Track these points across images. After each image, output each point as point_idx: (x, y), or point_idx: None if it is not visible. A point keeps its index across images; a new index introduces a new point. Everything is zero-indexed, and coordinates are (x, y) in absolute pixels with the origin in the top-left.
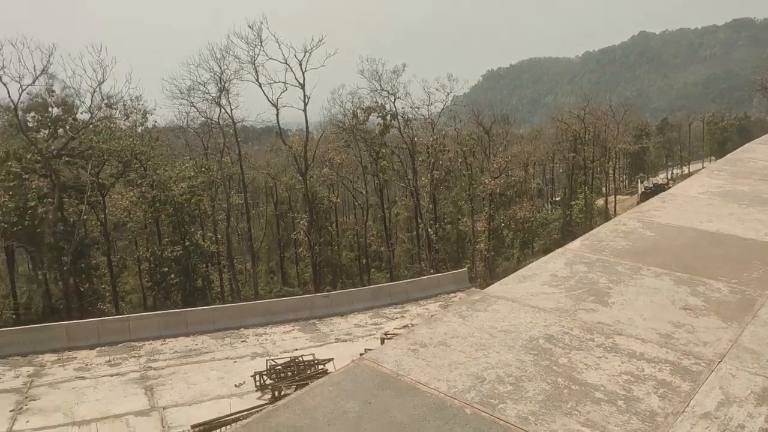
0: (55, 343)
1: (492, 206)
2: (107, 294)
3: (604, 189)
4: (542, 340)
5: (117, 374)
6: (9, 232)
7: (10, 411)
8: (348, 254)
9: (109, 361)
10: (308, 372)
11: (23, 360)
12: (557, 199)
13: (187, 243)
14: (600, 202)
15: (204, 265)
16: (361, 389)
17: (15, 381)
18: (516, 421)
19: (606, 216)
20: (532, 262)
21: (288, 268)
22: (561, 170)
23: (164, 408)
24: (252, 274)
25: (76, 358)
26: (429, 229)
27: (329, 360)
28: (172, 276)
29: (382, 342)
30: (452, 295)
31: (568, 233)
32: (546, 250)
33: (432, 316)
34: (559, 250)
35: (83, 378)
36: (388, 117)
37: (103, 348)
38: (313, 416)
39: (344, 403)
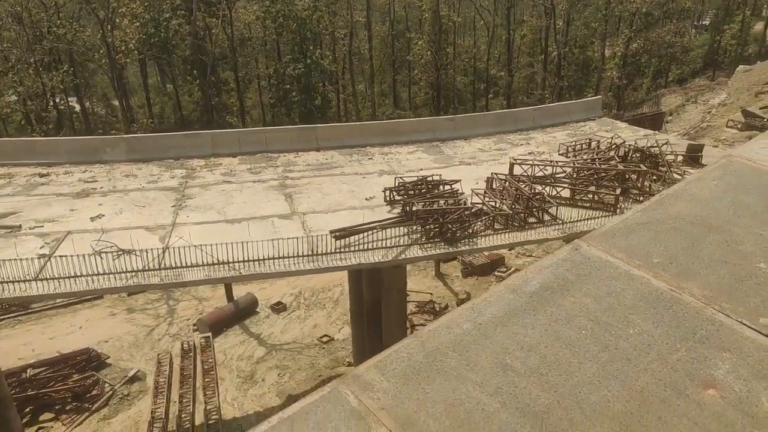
0: (202, 150)
1: (633, 28)
2: (235, 108)
3: (765, 11)
4: None
5: (259, 181)
6: (146, 43)
7: (172, 206)
8: (462, 79)
9: (250, 168)
10: (436, 191)
11: (176, 163)
12: (705, 22)
13: (308, 61)
14: (758, 26)
15: (323, 84)
16: (749, 185)
17: (172, 181)
18: None
19: (762, 44)
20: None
21: (400, 91)
22: None
23: (304, 214)
24: (369, 94)
25: (221, 164)
26: (560, 52)
27: (457, 181)
28: (294, 94)
29: (512, 165)
30: (582, 123)
31: (712, 62)
32: (681, 81)
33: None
34: None
35: (229, 182)
36: None
37: (243, 156)
38: (714, 207)
39: (742, 197)
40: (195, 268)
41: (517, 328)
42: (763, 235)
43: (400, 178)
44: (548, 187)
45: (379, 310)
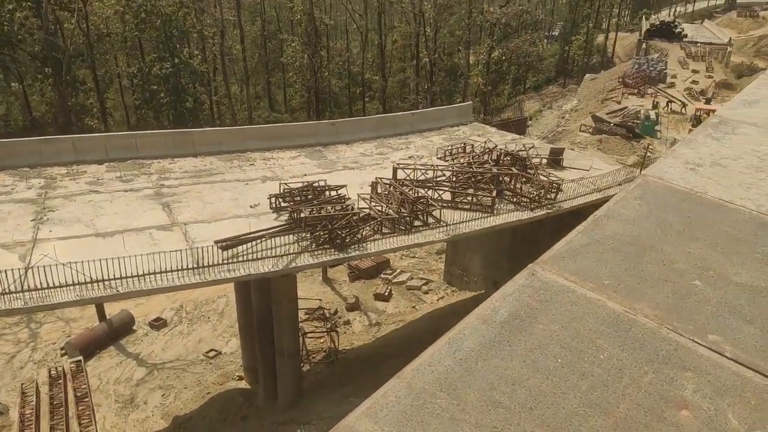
0: (63, 157)
1: (494, 37)
2: (94, 109)
3: (604, 25)
4: None
5: (131, 190)
6: None
7: (31, 220)
8: (338, 82)
9: (120, 176)
10: (323, 197)
11: (32, 172)
12: (555, 33)
13: (176, 60)
14: (600, 38)
15: (193, 85)
16: (667, 204)
17: (29, 192)
18: None
19: (604, 54)
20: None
21: (275, 94)
22: (564, 0)
23: (185, 224)
24: (244, 97)
25: (86, 172)
26: (431, 58)
27: (342, 186)
28: (162, 95)
29: (395, 171)
30: (456, 128)
31: (563, 71)
32: (537, 87)
33: (685, 138)
34: None
35: (97, 192)
36: None
37: (111, 164)
38: (643, 226)
39: (664, 216)
40: (64, 288)
41: (497, 360)
42: (692, 252)
43: (285, 184)
44: (430, 190)
45: (269, 320)
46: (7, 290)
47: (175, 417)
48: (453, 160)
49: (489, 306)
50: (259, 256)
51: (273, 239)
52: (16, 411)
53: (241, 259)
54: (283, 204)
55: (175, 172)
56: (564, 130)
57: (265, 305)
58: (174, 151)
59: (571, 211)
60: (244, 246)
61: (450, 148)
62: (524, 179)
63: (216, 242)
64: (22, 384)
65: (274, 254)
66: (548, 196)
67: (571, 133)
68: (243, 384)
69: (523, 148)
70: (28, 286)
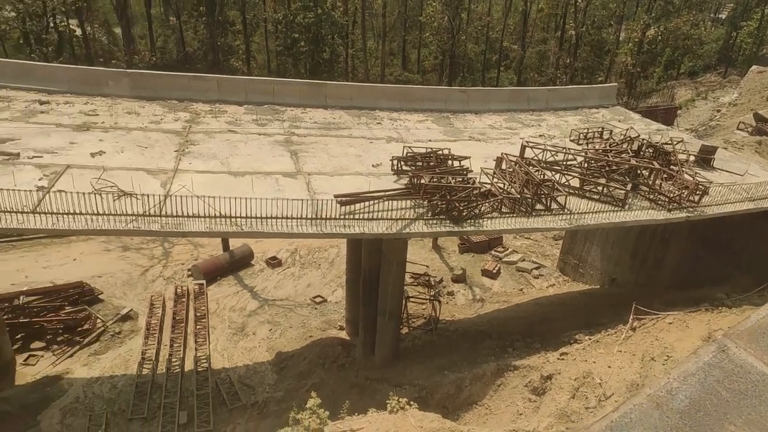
0: (208, 95)
1: (651, 14)
2: (240, 51)
3: None
4: None
5: (264, 134)
6: None
7: (174, 151)
8: (474, 47)
9: (256, 120)
10: (445, 166)
11: (180, 105)
12: (721, 16)
13: (319, 11)
14: None
15: (332, 37)
16: None
17: (175, 124)
18: None
19: None
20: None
21: (409, 53)
22: None
23: (309, 174)
24: (379, 52)
25: (226, 111)
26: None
27: (466, 158)
28: (302, 44)
29: (523, 148)
30: (595, 110)
31: (725, 59)
32: (692, 74)
33: None
34: None
35: (234, 132)
36: None
37: (250, 106)
38: None
39: None
40: (196, 219)
41: None
42: None
43: (409, 147)
44: (558, 174)
45: (376, 279)
46: (148, 213)
47: (279, 352)
48: (587, 144)
49: (664, 385)
50: (375, 217)
51: (390, 202)
52: (144, 319)
53: (357, 216)
54: (404, 167)
55: (305, 122)
56: (717, 126)
57: (373, 264)
58: (307, 101)
59: (714, 219)
60: (361, 204)
61: (586, 131)
62: (666, 176)
63: (336, 196)
64: (152, 296)
65: (389, 217)
66: (691, 197)
67: (725, 130)
68: (343, 334)
69: (669, 142)
70: (166, 212)
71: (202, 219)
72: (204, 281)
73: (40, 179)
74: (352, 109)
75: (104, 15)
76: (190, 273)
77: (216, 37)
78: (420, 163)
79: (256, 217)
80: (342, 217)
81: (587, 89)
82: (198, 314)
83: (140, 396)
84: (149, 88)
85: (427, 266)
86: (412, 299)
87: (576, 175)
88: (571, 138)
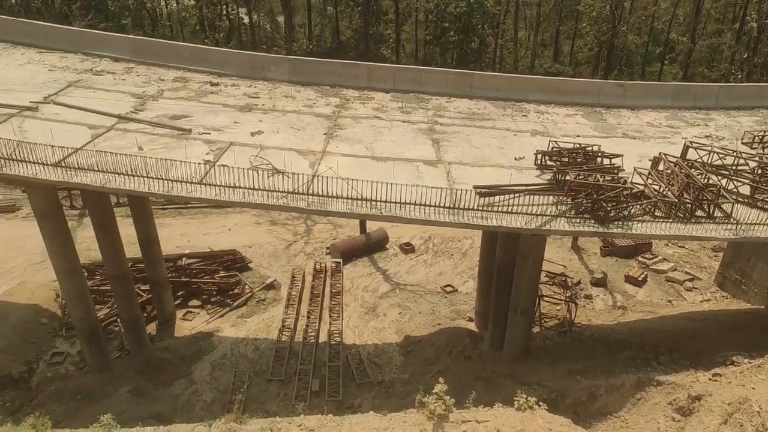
0: (358, 81)
1: None
2: (390, 40)
3: None
4: None
5: (408, 122)
6: None
7: (324, 134)
8: (635, 39)
9: (402, 107)
10: (593, 163)
11: (332, 90)
12: None
13: (471, 0)
14: None
15: (482, 26)
16: None
17: (326, 108)
18: None
19: None
20: None
21: (562, 44)
22: None
23: (449, 163)
24: (531, 43)
25: (374, 98)
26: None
27: (618, 156)
28: (452, 33)
29: (686, 148)
30: None
31: None
32: None
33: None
34: None
35: (380, 118)
36: None
37: (396, 94)
38: None
39: None
40: (339, 200)
41: None
42: None
43: (555, 142)
44: (725, 179)
45: (510, 274)
46: (297, 191)
47: (407, 336)
48: (764, 149)
49: None
50: (513, 210)
51: (531, 196)
52: (285, 289)
53: (495, 208)
54: (548, 162)
55: (449, 111)
56: None
57: (508, 258)
58: (452, 91)
59: None
60: (501, 196)
61: (762, 134)
62: None
63: (475, 187)
64: (293, 269)
65: (529, 212)
66: None
67: None
68: (472, 326)
69: None
70: (312, 191)
71: (344, 200)
72: (341, 260)
73: (207, 154)
74: (498, 100)
75: (270, 4)
76: (328, 251)
77: (369, 26)
78: (566, 159)
79: (395, 202)
80: (480, 208)
81: (767, 88)
82: (333, 291)
83: (279, 360)
84: (305, 74)
85: (565, 266)
86: (546, 298)
87: (747, 182)
88: (744, 141)
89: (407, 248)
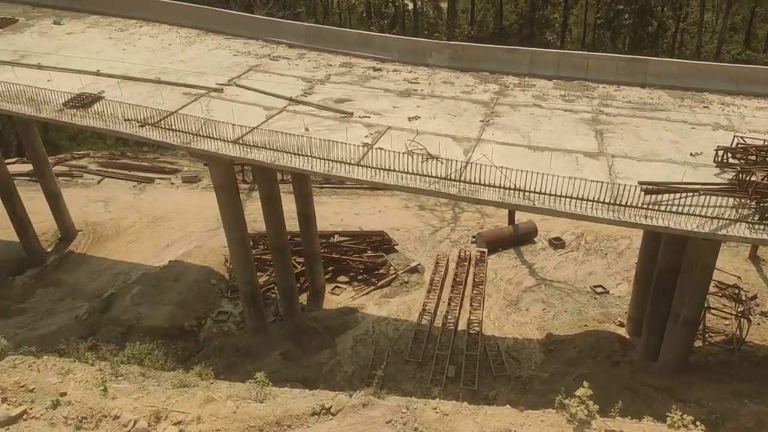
0: (519, 68)
1: None
2: (556, 24)
3: None
4: None
5: (570, 111)
6: None
7: (480, 121)
8: None
9: (564, 95)
10: None
11: (491, 77)
12: None
13: None
14: None
15: (662, 8)
16: None
17: (484, 95)
18: None
19: None
20: None
21: (756, 27)
22: None
23: (612, 156)
24: (719, 27)
25: (534, 85)
26: None
27: None
28: (626, 16)
29: None
30: None
31: None
32: None
33: None
34: None
35: (539, 107)
36: None
37: (559, 81)
38: None
39: None
40: (491, 188)
41: None
42: None
43: (741, 138)
44: None
45: (673, 280)
46: (449, 177)
47: (549, 334)
48: None
49: None
50: (683, 211)
51: (707, 197)
52: (428, 274)
53: (662, 208)
54: (731, 160)
55: (617, 101)
56: None
57: (672, 262)
58: (622, 78)
59: None
60: (670, 195)
61: None
62: None
63: (640, 183)
64: (438, 255)
65: (702, 213)
66: None
67: None
68: (622, 331)
69: None
70: (464, 178)
71: (496, 189)
72: (486, 250)
73: (365, 137)
74: (676, 89)
75: None
76: (474, 240)
77: (536, 9)
78: (753, 157)
79: (549, 194)
80: (644, 206)
81: None
82: (476, 280)
83: (417, 343)
84: (465, 60)
85: (739, 277)
86: (713, 311)
87: None
88: None
89: (557, 243)
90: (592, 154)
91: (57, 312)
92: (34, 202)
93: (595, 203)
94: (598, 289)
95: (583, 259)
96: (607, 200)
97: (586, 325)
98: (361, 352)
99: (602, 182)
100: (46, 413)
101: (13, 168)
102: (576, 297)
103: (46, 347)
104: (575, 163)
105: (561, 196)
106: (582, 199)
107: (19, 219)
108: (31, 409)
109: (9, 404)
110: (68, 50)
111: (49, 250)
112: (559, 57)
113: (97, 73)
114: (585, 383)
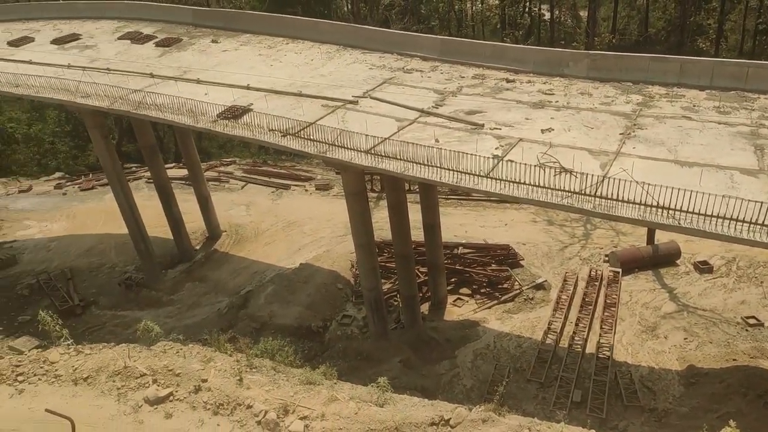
0: (666, 77)
1: None
2: (711, 31)
3: None
4: None
5: (724, 123)
6: None
7: (620, 134)
8: None
9: (718, 107)
10: None
11: (634, 87)
12: None
13: None
14: None
15: None
16: None
17: (626, 106)
18: None
19: None
20: None
21: None
22: None
23: None
24: None
25: (684, 96)
26: None
27: None
28: None
29: None
30: None
31: None
32: None
33: None
34: None
35: (689, 119)
36: None
37: (713, 92)
38: None
39: None
40: (630, 205)
41: None
42: None
43: None
44: None
45: None
46: (583, 191)
47: (690, 366)
48: None
49: None
50: None
51: None
52: (555, 292)
53: None
54: None
55: None
56: None
57: None
58: None
59: None
60: None
61: None
62: None
63: None
64: (566, 273)
65: None
66: None
67: None
68: None
69: None
70: (601, 194)
71: (636, 206)
72: (620, 270)
73: (496, 148)
74: None
75: None
76: (607, 258)
77: (687, 15)
78: None
79: (698, 213)
80: None
81: None
82: (608, 301)
83: (540, 362)
84: (605, 70)
85: None
86: None
87: None
88: None
89: (703, 267)
90: (751, 171)
91: (201, 305)
92: (187, 203)
93: (752, 225)
94: (751, 321)
95: (733, 286)
96: (765, 222)
97: (734, 359)
98: (481, 367)
99: (762, 203)
100: (189, 397)
101: (170, 172)
102: (724, 327)
103: (190, 336)
104: (730, 181)
105: (712, 216)
106: (737, 221)
107: (174, 218)
108: (176, 391)
109: (159, 385)
110: (223, 66)
111: (197, 247)
112: (713, 65)
113: (248, 87)
114: (732, 422)
